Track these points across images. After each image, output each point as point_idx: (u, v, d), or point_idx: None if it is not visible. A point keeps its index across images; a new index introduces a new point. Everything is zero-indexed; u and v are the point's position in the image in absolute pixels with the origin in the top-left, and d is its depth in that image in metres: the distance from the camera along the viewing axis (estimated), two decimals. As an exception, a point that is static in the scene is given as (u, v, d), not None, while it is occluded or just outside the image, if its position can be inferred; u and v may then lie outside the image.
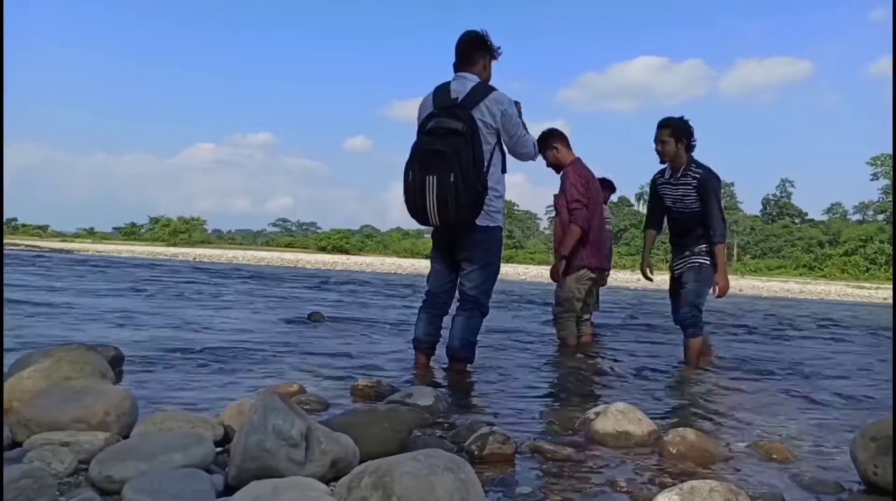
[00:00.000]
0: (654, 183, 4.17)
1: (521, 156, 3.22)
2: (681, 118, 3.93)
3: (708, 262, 3.90)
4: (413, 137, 3.07)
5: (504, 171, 3.17)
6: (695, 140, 3.92)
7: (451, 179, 2.81)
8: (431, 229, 3.18)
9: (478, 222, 3.01)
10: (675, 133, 3.87)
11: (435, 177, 2.84)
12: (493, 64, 3.22)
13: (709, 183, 3.82)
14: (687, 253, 3.99)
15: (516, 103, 3.24)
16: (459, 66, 3.13)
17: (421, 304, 3.35)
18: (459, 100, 2.98)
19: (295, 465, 1.39)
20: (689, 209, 3.91)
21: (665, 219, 4.17)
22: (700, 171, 3.85)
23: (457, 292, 3.24)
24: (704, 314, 4.07)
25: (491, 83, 3.15)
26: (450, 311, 3.34)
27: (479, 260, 3.10)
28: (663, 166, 4.05)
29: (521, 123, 3.13)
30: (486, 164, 2.96)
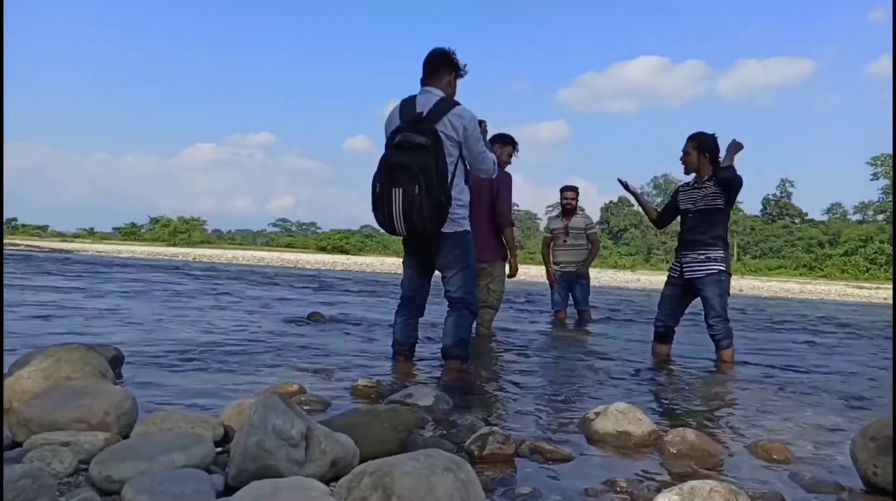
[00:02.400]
0: (676, 191, 4.34)
1: (481, 171, 3.35)
2: (707, 134, 4.10)
3: (725, 269, 4.00)
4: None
5: (467, 181, 3.30)
6: (720, 154, 4.03)
7: (416, 191, 2.93)
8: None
9: (445, 230, 3.13)
10: (699, 146, 4.07)
11: (400, 190, 2.95)
12: (461, 82, 3.35)
13: (736, 180, 3.94)
14: (702, 255, 4.05)
15: (481, 122, 3.53)
16: (426, 80, 3.25)
17: (396, 308, 3.45)
18: (424, 114, 3.08)
19: (295, 465, 1.39)
20: (710, 207, 4.03)
21: (677, 222, 4.32)
22: None
23: (444, 296, 3.34)
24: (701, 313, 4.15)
25: (458, 97, 3.30)
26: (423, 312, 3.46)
27: (456, 264, 3.24)
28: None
29: (483, 141, 3.27)
30: (450, 175, 3.06)
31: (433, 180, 2.94)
